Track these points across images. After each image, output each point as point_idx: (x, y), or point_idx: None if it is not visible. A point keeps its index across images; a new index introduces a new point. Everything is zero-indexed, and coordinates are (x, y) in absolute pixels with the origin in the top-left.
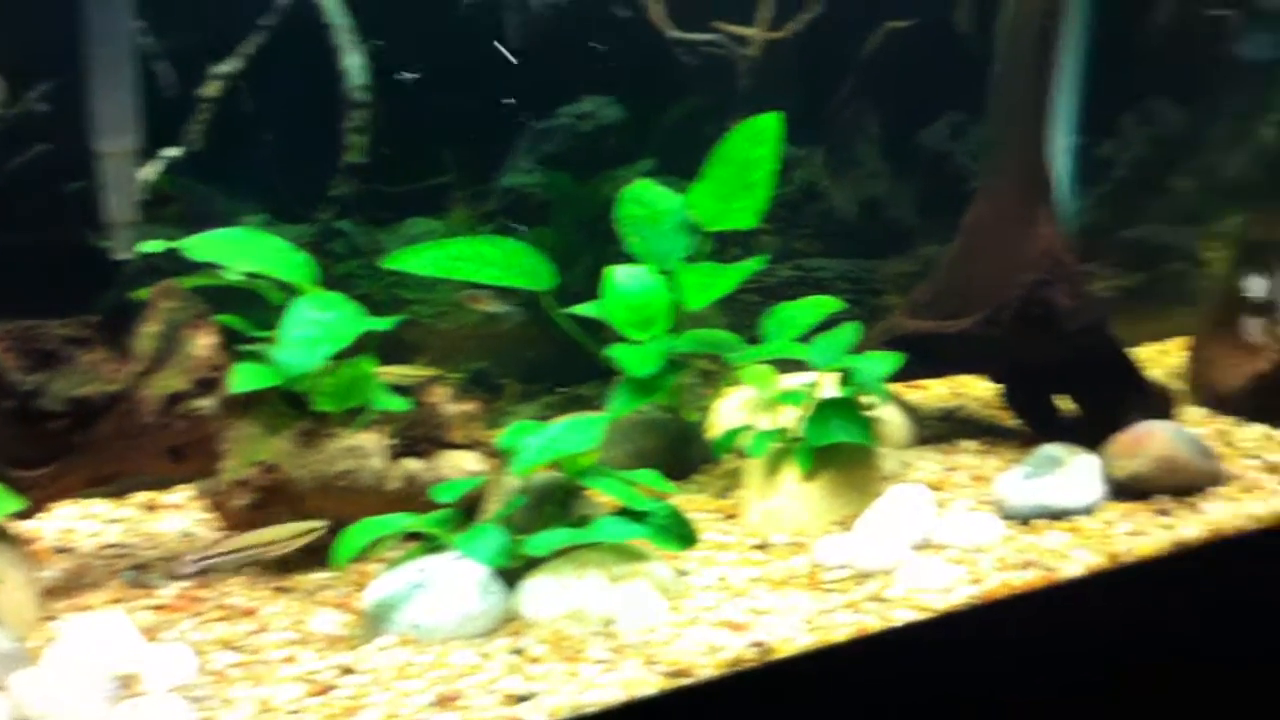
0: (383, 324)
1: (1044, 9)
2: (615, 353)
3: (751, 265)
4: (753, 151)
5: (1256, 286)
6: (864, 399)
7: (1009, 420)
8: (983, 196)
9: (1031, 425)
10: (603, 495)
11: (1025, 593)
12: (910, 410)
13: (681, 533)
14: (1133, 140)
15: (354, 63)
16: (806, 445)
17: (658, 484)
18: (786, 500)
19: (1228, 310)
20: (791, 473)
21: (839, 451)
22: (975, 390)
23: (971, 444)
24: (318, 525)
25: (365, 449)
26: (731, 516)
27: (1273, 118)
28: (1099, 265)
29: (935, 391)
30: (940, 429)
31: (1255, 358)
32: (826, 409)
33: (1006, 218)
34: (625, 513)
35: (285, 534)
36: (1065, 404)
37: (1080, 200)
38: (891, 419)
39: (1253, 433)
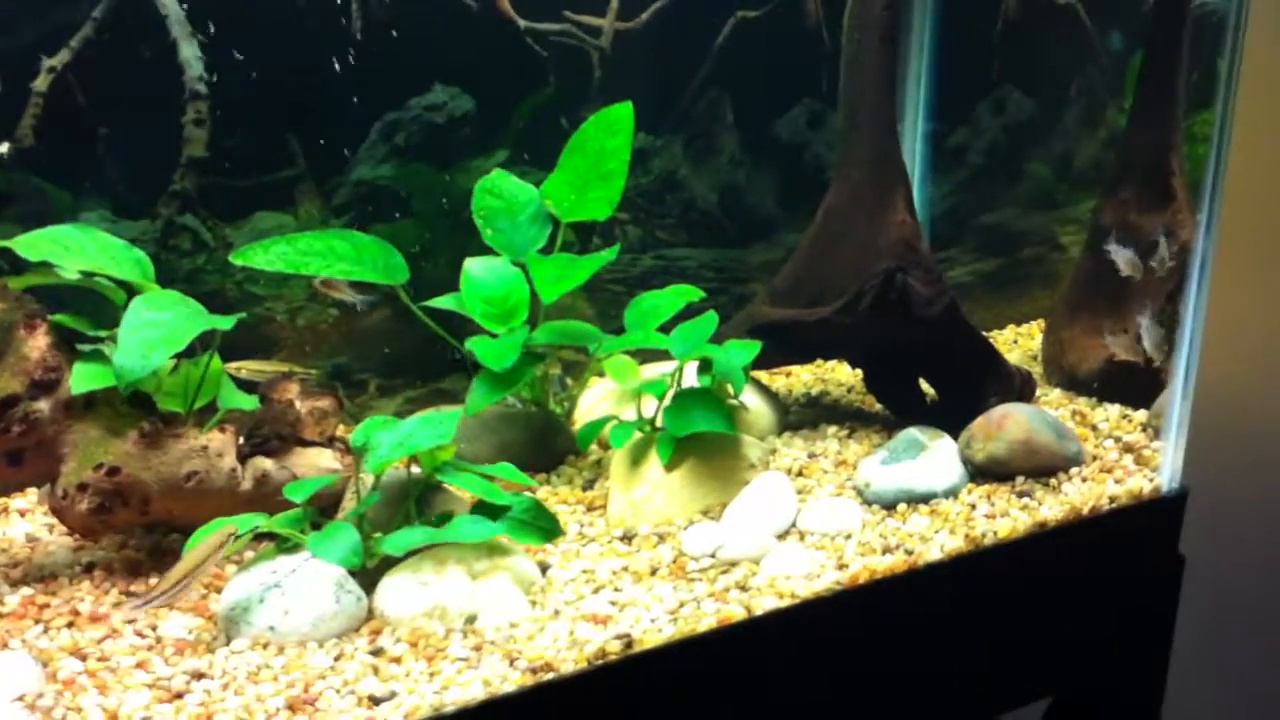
0: (224, 322)
1: (885, 1)
2: (472, 346)
3: (604, 256)
4: (607, 142)
5: (1121, 257)
6: (725, 388)
7: (873, 405)
8: (837, 184)
9: (893, 410)
10: (465, 491)
11: (888, 577)
12: (774, 397)
13: (544, 526)
14: (986, 127)
15: (191, 54)
16: (667, 435)
17: (516, 478)
18: (650, 491)
19: (1082, 293)
20: (655, 463)
21: (701, 441)
22: (840, 375)
23: (836, 429)
24: (232, 527)
25: (214, 449)
26: (596, 508)
27: (1123, 104)
28: (958, 250)
29: (800, 378)
30: (805, 415)
31: (1110, 340)
32: (686, 399)
33: (861, 205)
34: (484, 508)
35: (213, 544)
36: (930, 388)
37: (937, 187)
38: (755, 407)
39: (1109, 413)
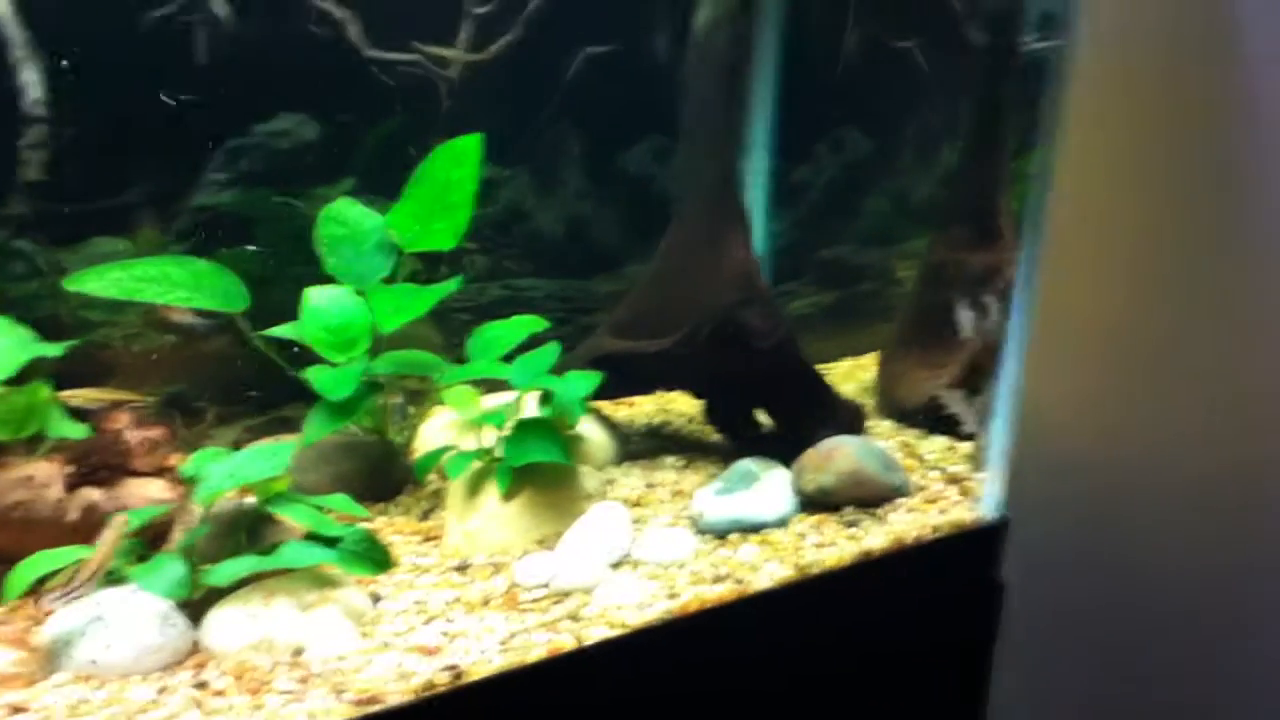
0: (53, 349)
1: (728, 42)
2: (310, 375)
3: (446, 287)
4: (453, 173)
5: (965, 320)
6: (564, 419)
7: (712, 436)
8: (677, 220)
9: (732, 440)
10: (297, 522)
11: (718, 606)
12: (614, 427)
13: (375, 557)
14: (826, 165)
15: (31, 77)
16: (505, 466)
17: (350, 508)
18: (486, 521)
19: (912, 327)
20: (492, 494)
21: (539, 471)
22: (681, 406)
23: (674, 460)
24: (124, 517)
25: (40, 478)
26: (433, 538)
27: (957, 145)
28: (800, 283)
29: (643, 408)
30: (645, 445)
31: (937, 373)
32: (524, 429)
33: (701, 241)
34: (315, 539)
35: (116, 533)
36: (769, 419)
37: (778, 222)
38: (594, 437)
39: (936, 444)
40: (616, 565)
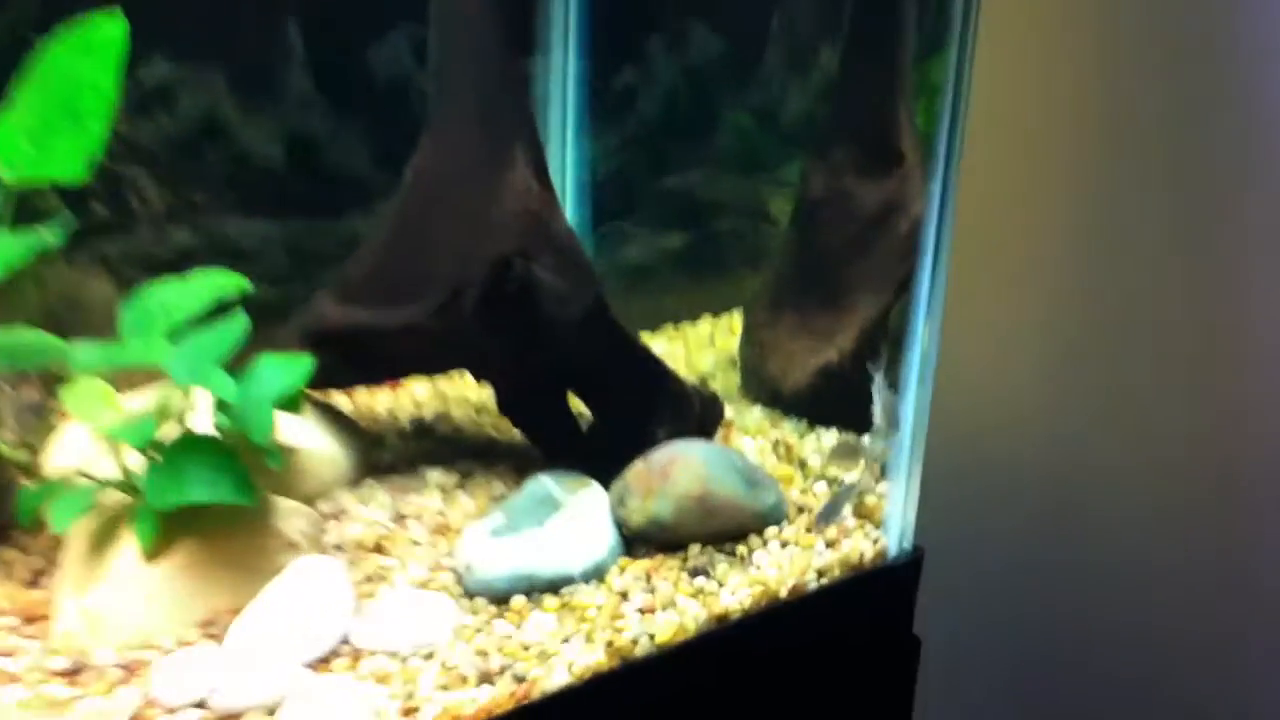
0: None
1: None
2: None
3: (40, 239)
4: (82, 70)
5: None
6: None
7: (512, 433)
8: (433, 138)
9: (536, 443)
10: None
11: None
12: (354, 429)
13: None
14: (661, 69)
15: None
16: (148, 507)
17: None
18: (118, 593)
19: (787, 283)
20: (131, 550)
21: (205, 514)
22: (470, 390)
23: (443, 474)
24: None
25: None
26: (39, 619)
27: (839, 42)
28: (632, 223)
29: (411, 396)
30: (409, 451)
31: (824, 345)
32: (181, 451)
33: (468, 165)
34: None
35: None
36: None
37: (600, 141)
38: (317, 447)
39: (822, 441)
40: (324, 661)
